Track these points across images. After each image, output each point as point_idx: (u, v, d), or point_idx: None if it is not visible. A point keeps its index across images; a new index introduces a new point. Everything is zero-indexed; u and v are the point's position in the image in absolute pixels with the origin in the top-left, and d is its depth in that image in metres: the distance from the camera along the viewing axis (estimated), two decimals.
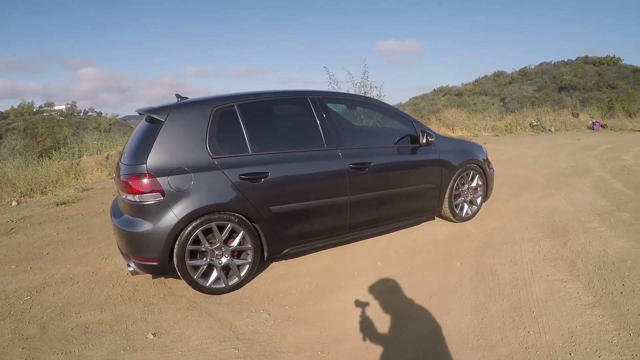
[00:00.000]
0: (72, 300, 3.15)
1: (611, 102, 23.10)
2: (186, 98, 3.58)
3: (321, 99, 3.75)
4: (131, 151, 3.23)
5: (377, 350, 2.42)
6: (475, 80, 55.10)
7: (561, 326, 2.57)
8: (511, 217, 4.79)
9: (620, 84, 35.21)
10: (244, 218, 3.17)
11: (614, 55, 44.16)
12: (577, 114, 18.49)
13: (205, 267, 3.13)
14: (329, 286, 3.27)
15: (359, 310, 2.87)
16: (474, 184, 4.65)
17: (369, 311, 2.85)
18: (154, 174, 2.95)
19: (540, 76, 46.38)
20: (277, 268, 3.64)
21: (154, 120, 3.20)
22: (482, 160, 4.68)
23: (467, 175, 4.55)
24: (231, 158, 3.20)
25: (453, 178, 4.37)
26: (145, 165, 2.97)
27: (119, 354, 2.47)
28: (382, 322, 2.72)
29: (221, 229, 3.12)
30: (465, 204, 4.63)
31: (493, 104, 31.85)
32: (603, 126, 16.09)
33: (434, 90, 59.54)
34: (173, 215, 2.95)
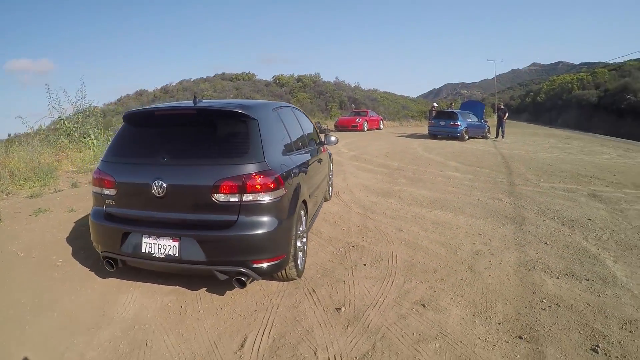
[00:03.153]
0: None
1: None
2: (202, 100, 3.60)
3: (293, 108, 4.95)
4: (215, 149, 3.18)
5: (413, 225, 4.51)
6: (118, 100, 54.39)
7: (478, 198, 5.60)
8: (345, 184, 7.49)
9: (256, 96, 42.98)
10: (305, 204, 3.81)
11: (249, 72, 54.23)
12: None
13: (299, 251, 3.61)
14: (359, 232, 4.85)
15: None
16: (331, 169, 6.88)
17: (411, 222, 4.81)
18: (275, 170, 3.12)
19: (182, 92, 49.54)
20: None
21: (234, 117, 3.26)
22: None
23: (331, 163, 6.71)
24: (293, 154, 3.79)
25: (332, 165, 6.59)
26: (265, 162, 3.07)
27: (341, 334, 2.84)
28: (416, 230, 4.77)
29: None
30: (330, 185, 6.75)
31: None
32: None
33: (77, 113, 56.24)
34: (294, 207, 3.28)
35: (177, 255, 3.04)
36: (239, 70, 58.47)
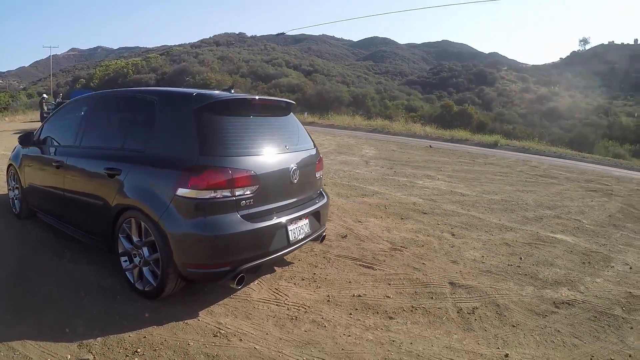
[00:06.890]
0: None
1: None
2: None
3: None
4: (302, 139, 3.69)
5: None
6: None
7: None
8: None
9: None
10: None
11: None
12: None
13: None
14: None
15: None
16: None
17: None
18: None
19: None
20: None
21: (287, 111, 3.69)
22: None
23: None
24: None
25: None
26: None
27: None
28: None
29: None
30: None
31: None
32: None
33: None
34: None
35: (309, 231, 3.43)
36: None
